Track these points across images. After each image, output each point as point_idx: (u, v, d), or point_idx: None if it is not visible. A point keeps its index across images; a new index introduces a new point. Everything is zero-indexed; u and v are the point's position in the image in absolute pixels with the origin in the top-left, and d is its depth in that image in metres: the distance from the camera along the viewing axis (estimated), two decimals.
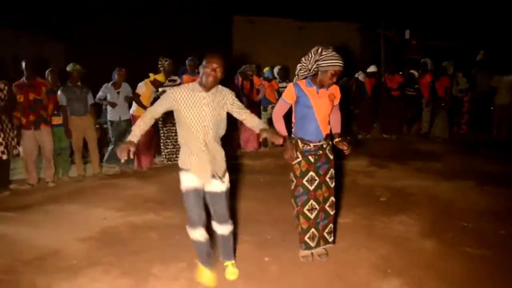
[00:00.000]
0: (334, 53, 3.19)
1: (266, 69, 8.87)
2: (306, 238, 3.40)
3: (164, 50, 8.19)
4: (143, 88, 6.77)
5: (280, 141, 2.92)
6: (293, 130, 3.43)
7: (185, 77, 7.34)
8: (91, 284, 3.12)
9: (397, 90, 9.48)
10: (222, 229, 3.15)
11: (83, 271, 3.30)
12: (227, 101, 3.01)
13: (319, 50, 3.22)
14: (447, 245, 3.69)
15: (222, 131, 3.09)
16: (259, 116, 8.00)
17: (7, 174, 5.79)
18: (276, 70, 8.76)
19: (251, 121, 3.09)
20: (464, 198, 5.00)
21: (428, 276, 3.16)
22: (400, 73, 9.82)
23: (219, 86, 3.03)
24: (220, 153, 3.07)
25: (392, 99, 9.54)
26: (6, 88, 5.51)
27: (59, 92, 6.18)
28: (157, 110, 2.99)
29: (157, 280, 3.15)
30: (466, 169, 6.40)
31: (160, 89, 6.84)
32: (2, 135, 5.48)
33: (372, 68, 9.80)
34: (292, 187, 3.40)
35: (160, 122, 6.92)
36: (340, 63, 3.16)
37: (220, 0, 17.08)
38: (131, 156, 2.83)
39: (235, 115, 3.08)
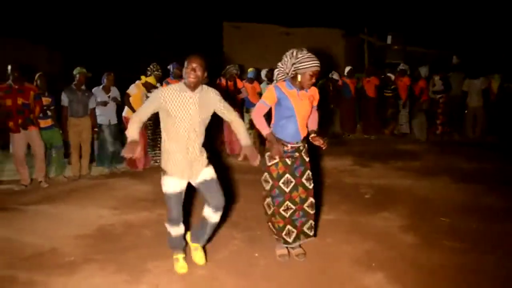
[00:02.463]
0: (309, 54, 3.19)
1: (250, 70, 8.84)
2: (283, 235, 3.38)
3: (157, 55, 8.34)
4: (135, 90, 6.88)
5: (256, 163, 3.08)
6: (271, 130, 3.39)
7: (171, 81, 7.41)
8: (87, 279, 3.18)
9: (375, 92, 9.83)
10: (215, 217, 3.22)
11: (79, 267, 3.37)
12: (214, 100, 3.13)
13: (294, 53, 3.21)
14: (426, 239, 3.82)
15: (204, 129, 3.20)
16: (242, 117, 8.10)
17: None
18: (264, 72, 8.87)
19: (237, 127, 3.23)
20: (442, 195, 5.21)
21: (408, 268, 3.27)
22: (382, 76, 10.10)
23: (205, 86, 3.14)
24: (202, 150, 3.20)
25: (370, 100, 9.88)
26: None
27: (62, 94, 6.30)
28: (145, 111, 3.08)
29: (151, 275, 3.23)
30: (443, 167, 6.63)
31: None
32: None
33: (348, 68, 10.09)
34: (268, 188, 3.39)
35: (149, 125, 7.03)
36: (317, 63, 3.16)
37: (210, 7, 17.35)
38: (137, 155, 2.94)
39: (222, 115, 3.19)
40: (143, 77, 7.00)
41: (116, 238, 4.02)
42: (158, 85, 7.09)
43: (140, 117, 3.06)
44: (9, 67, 5.83)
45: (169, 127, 3.06)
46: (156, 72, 7.05)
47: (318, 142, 3.37)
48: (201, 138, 3.16)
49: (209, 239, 3.49)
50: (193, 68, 2.97)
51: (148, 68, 7.07)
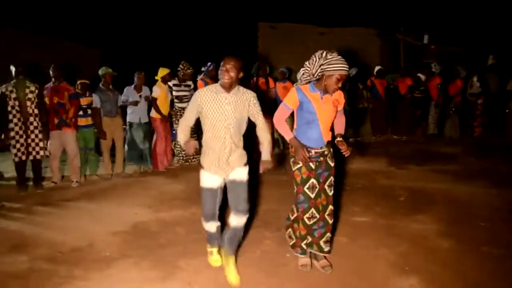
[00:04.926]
0: (339, 57, 3.04)
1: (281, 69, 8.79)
2: (302, 244, 3.30)
3: (194, 55, 8.44)
4: (158, 91, 6.91)
5: (267, 167, 3.20)
6: (294, 135, 3.29)
7: (206, 79, 7.44)
8: (121, 274, 3.28)
9: (408, 93, 9.67)
10: (238, 220, 3.18)
11: (115, 262, 3.48)
12: (249, 102, 3.15)
13: (324, 54, 3.08)
14: (464, 244, 3.71)
15: (243, 130, 3.22)
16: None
17: (40, 172, 6.08)
18: (299, 74, 8.81)
19: (261, 137, 3.27)
20: (480, 199, 5.04)
21: (444, 273, 3.20)
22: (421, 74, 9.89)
23: (241, 87, 3.17)
24: (241, 149, 3.22)
25: (402, 101, 9.73)
26: (36, 91, 5.79)
27: (93, 95, 6.43)
28: (189, 115, 3.16)
29: (183, 272, 3.28)
30: (481, 170, 6.43)
31: (174, 93, 7.13)
32: (39, 136, 5.81)
33: (377, 68, 9.86)
34: (294, 193, 3.32)
35: (176, 125, 7.09)
36: (346, 67, 3.03)
37: (245, 7, 17.56)
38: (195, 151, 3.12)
39: (251, 117, 3.21)
40: (157, 76, 7.02)
41: (150, 235, 4.11)
42: (182, 86, 7.19)
43: (187, 122, 3.17)
44: (51, 67, 6.08)
45: (207, 127, 3.12)
46: (188, 71, 7.13)
47: (342, 146, 3.25)
48: (237, 138, 3.17)
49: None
50: (227, 69, 3.00)
51: (179, 68, 7.14)
